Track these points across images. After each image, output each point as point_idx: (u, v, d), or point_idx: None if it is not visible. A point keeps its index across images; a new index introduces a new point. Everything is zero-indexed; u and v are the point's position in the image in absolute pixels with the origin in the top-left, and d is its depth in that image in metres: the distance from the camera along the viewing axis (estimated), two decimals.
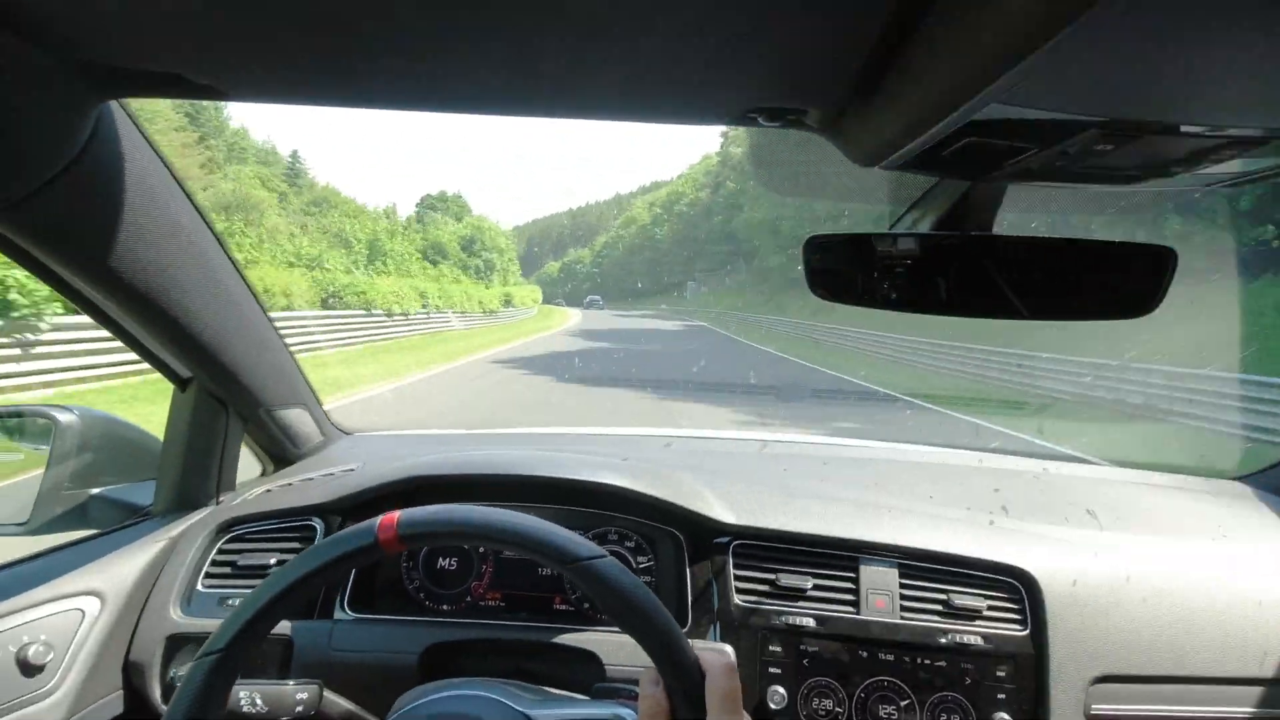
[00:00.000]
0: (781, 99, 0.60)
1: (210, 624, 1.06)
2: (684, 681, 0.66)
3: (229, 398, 1.25)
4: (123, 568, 1.12)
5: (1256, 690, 1.08)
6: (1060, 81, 0.45)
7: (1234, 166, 0.60)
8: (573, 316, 50.89)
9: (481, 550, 1.25)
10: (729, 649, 1.09)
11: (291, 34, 0.55)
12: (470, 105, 0.68)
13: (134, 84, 0.67)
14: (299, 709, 0.94)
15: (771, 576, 1.15)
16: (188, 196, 0.92)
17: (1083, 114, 0.48)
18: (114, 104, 0.75)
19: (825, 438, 1.90)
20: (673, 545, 1.22)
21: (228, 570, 1.19)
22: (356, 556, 0.73)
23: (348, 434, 1.67)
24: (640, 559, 1.23)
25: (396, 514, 0.73)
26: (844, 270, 0.84)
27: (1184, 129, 0.49)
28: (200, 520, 1.23)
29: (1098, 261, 0.76)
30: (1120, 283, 0.76)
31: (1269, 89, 0.46)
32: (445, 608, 1.22)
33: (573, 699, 0.86)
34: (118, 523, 1.24)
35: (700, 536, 1.20)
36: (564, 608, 1.23)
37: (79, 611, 1.04)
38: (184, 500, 1.27)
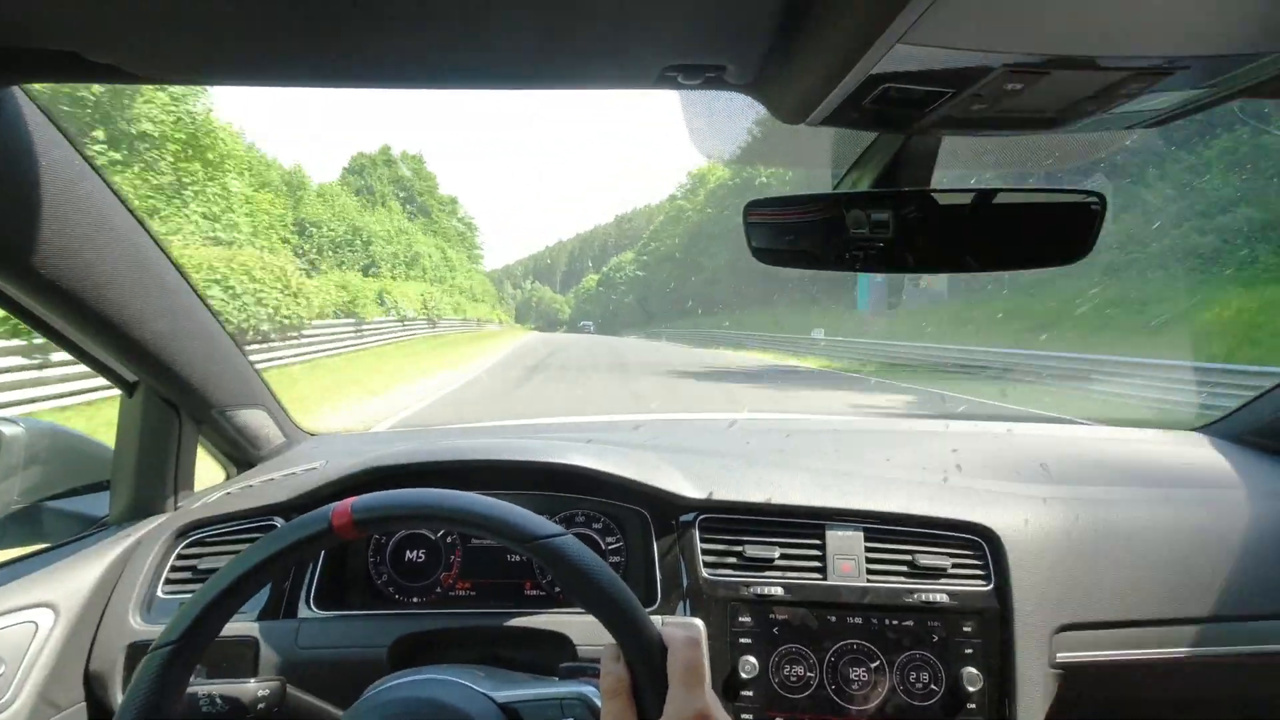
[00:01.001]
0: (697, 55, 0.60)
1: None
2: (645, 656, 0.66)
3: (179, 400, 1.22)
4: (77, 578, 1.09)
5: (1212, 628, 1.11)
6: (959, 20, 0.45)
7: (1149, 103, 0.61)
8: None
9: (449, 540, 1.24)
10: (699, 623, 1.10)
11: (192, 6, 0.53)
12: (378, 79, 0.66)
13: (28, 68, 0.64)
14: (260, 706, 0.92)
15: (738, 548, 1.15)
16: (109, 187, 0.89)
17: (986, 50, 0.48)
18: (16, 91, 0.72)
19: (793, 414, 1.91)
20: (640, 523, 1.22)
21: (188, 575, 1.17)
22: (311, 543, 0.71)
23: (311, 435, 1.64)
24: (609, 539, 1.23)
25: (350, 500, 0.72)
26: (785, 236, 0.85)
27: (1086, 62, 0.50)
28: (158, 526, 1.20)
29: (1031, 210, 0.77)
30: (1054, 230, 0.77)
31: (1162, 19, 0.46)
32: (415, 600, 1.21)
33: (539, 680, 0.86)
34: (72, 534, 1.21)
35: (666, 513, 1.20)
36: (535, 593, 1.22)
37: (32, 624, 1.01)
38: (139, 508, 1.24)
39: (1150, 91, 0.55)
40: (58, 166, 0.80)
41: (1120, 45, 0.48)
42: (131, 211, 0.94)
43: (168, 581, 1.16)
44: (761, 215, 0.83)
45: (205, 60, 0.64)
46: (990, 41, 0.48)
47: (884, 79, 0.54)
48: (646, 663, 0.66)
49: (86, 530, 1.23)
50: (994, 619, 1.09)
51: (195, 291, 1.12)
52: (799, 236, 0.84)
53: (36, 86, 0.73)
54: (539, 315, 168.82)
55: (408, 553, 1.24)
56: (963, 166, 0.93)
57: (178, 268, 1.07)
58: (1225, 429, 1.56)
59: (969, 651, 1.08)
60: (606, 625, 0.68)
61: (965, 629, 1.09)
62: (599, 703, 0.70)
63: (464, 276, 54.05)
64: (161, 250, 1.02)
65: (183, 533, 1.20)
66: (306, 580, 1.16)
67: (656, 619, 0.72)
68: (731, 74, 0.63)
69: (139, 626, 1.09)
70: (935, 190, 0.78)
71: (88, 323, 0.96)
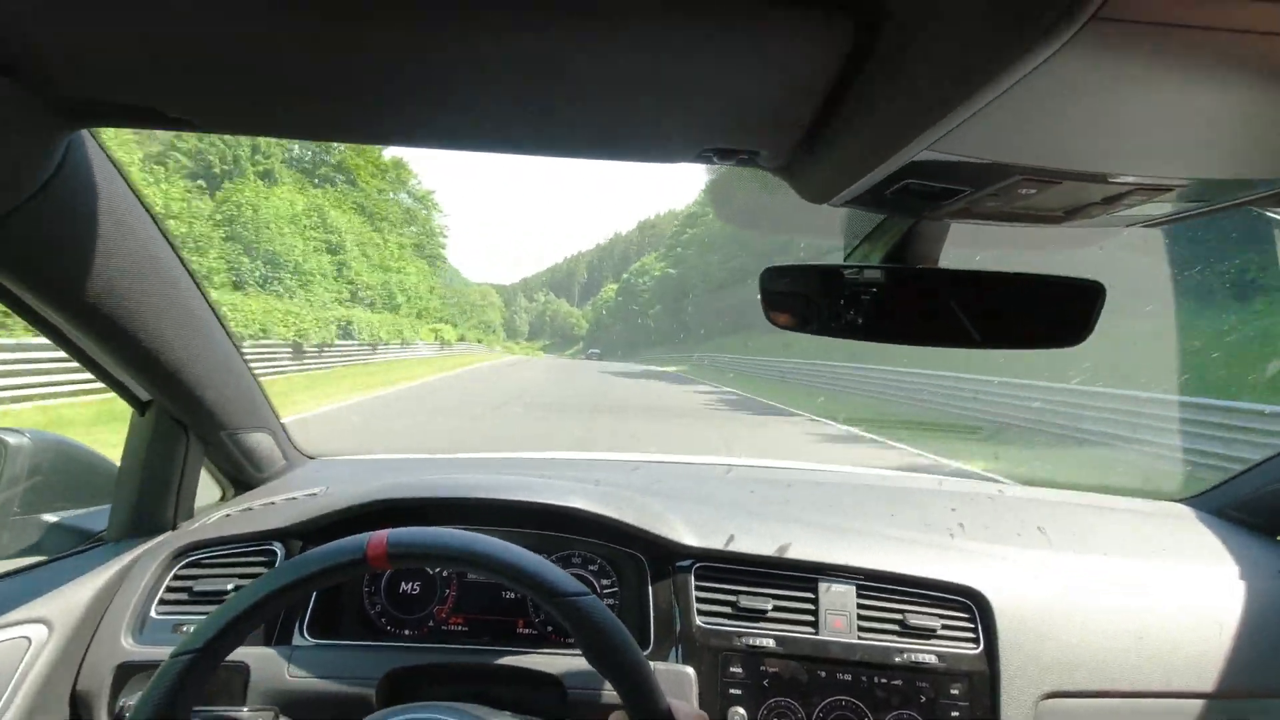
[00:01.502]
0: (735, 141, 0.64)
1: (163, 652, 1.04)
2: None
3: (190, 420, 1.23)
4: (73, 594, 1.09)
5: (1194, 704, 1.13)
6: (984, 133, 0.49)
7: (1149, 210, 0.65)
8: None
9: (444, 574, 1.25)
10: (690, 671, 1.11)
11: (260, 69, 0.57)
12: (436, 141, 0.70)
13: (105, 114, 0.68)
14: None
15: (733, 598, 1.17)
16: (156, 223, 0.93)
17: (1006, 162, 0.53)
18: (85, 133, 0.76)
19: (790, 462, 1.94)
20: (635, 568, 1.23)
21: (183, 597, 1.17)
22: (343, 570, 0.74)
23: (311, 458, 1.65)
24: (604, 581, 1.24)
25: (386, 532, 0.75)
26: (800, 300, 0.88)
27: (1094, 177, 0.54)
28: (155, 545, 1.20)
29: (1034, 294, 0.81)
30: (1054, 314, 0.81)
31: (1164, 145, 0.51)
32: (407, 632, 1.21)
33: None
34: (70, 549, 1.21)
35: (663, 559, 1.21)
36: (527, 631, 1.23)
37: (25, 639, 1.01)
38: (140, 526, 1.25)
39: (1152, 202, 0.60)
40: (114, 203, 0.84)
41: (1127, 165, 0.53)
42: (171, 243, 0.97)
43: (162, 602, 1.16)
44: (776, 283, 0.87)
45: (266, 116, 0.67)
46: (1007, 155, 0.52)
47: (908, 174, 0.58)
48: None
49: (83, 545, 1.23)
50: (981, 682, 1.11)
51: (216, 314, 1.15)
52: (812, 304, 0.87)
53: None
54: (554, 331, 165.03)
55: (402, 584, 1.24)
56: (968, 244, 0.97)
57: (201, 289, 1.09)
58: (1208, 502, 1.60)
59: (955, 714, 1.09)
60: (619, 690, 0.71)
61: (953, 691, 1.10)
62: None
63: (418, 277, 41.90)
64: (187, 271, 1.05)
65: (180, 553, 1.20)
66: (301, 609, 1.16)
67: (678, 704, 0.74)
68: (764, 158, 0.67)
69: (130, 647, 1.09)
70: (943, 268, 0.82)
71: (116, 345, 0.99)
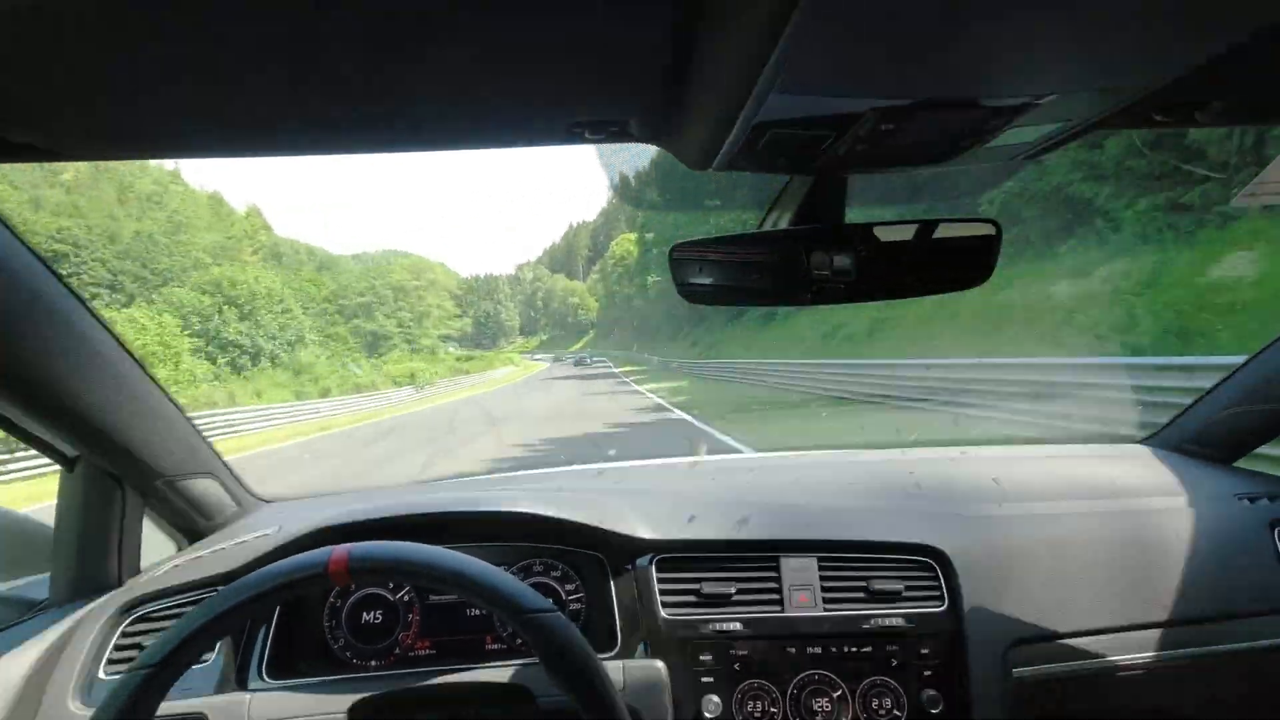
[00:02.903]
0: (600, 112, 0.64)
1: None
2: None
3: (121, 472, 1.19)
4: (10, 666, 1.04)
5: (1164, 633, 1.14)
6: (821, 70, 0.49)
7: (1024, 135, 0.66)
8: None
9: (406, 599, 1.22)
10: (660, 664, 1.09)
11: (107, 81, 0.55)
12: (295, 147, 0.69)
13: None
14: None
15: (695, 586, 1.15)
16: (41, 261, 0.90)
17: (855, 96, 0.53)
18: None
19: (753, 454, 1.94)
20: (597, 568, 1.21)
21: (132, 655, 1.12)
22: (304, 583, 0.73)
23: (266, 501, 1.61)
24: (568, 586, 1.22)
25: (348, 546, 0.74)
26: (710, 273, 0.88)
27: (946, 103, 0.55)
28: (100, 605, 1.16)
29: (934, 240, 0.82)
30: (956, 257, 0.82)
31: (1014, 60, 0.51)
32: (374, 663, 1.18)
33: None
34: (9, 621, 1.16)
35: (622, 556, 1.20)
36: (496, 646, 1.20)
37: None
38: (82, 588, 1.20)
39: (1016, 126, 0.60)
40: None
41: (978, 86, 0.53)
42: (63, 282, 0.94)
43: (110, 662, 1.12)
44: (687, 255, 0.87)
45: (125, 134, 0.66)
46: (856, 87, 0.52)
47: (769, 126, 0.58)
48: None
49: (23, 616, 1.18)
50: (950, 639, 1.10)
51: (134, 358, 1.12)
52: (720, 275, 0.87)
53: None
54: (557, 322, 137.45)
55: (364, 614, 1.21)
56: (878, 204, 0.99)
57: (114, 336, 1.06)
58: (1165, 439, 1.62)
59: (928, 673, 1.09)
60: (581, 707, 0.71)
61: (923, 651, 1.10)
62: None
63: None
64: (96, 319, 1.02)
65: (126, 609, 1.16)
66: (257, 649, 1.13)
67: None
68: (634, 128, 0.67)
69: (77, 711, 1.05)
70: (846, 225, 0.82)
71: (25, 399, 0.95)
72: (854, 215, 0.85)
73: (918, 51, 0.48)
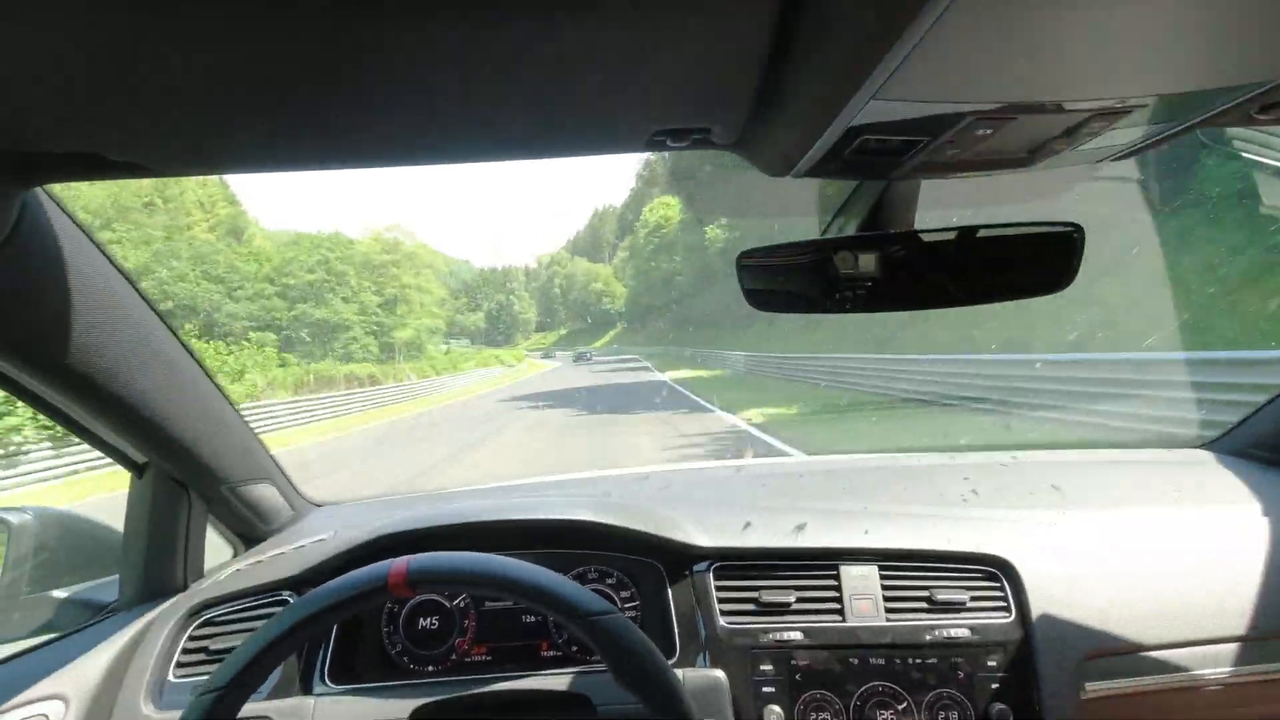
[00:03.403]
0: (684, 120, 0.64)
1: None
2: None
3: (189, 479, 1.22)
4: (87, 667, 1.08)
5: (1240, 648, 1.10)
6: (926, 74, 0.48)
7: (1115, 139, 0.64)
8: None
9: (462, 605, 1.23)
10: (721, 675, 1.08)
11: (202, 105, 0.57)
12: (386, 159, 0.70)
13: (52, 169, 0.68)
14: None
15: (754, 594, 1.14)
16: (125, 276, 0.92)
17: (955, 103, 0.52)
18: (38, 191, 0.75)
19: (800, 457, 1.92)
20: (653, 576, 1.21)
21: (201, 657, 1.15)
22: (365, 598, 0.74)
23: (318, 505, 1.64)
24: (623, 593, 1.22)
25: (406, 558, 0.74)
26: (778, 281, 0.87)
27: (1049, 106, 0.53)
28: (168, 608, 1.19)
29: (1013, 244, 0.80)
30: (1036, 262, 0.80)
31: (1118, 63, 0.50)
32: (430, 669, 1.19)
33: None
34: (82, 622, 1.20)
35: (679, 563, 1.19)
36: (551, 654, 1.20)
37: (43, 717, 0.99)
38: (150, 591, 1.23)
39: (1113, 129, 0.59)
40: (77, 263, 0.83)
41: (1080, 90, 0.52)
42: (139, 291, 0.96)
43: (179, 665, 1.14)
44: (754, 262, 0.86)
45: (218, 153, 0.67)
46: (959, 93, 0.51)
47: (861, 131, 0.57)
48: None
49: (96, 618, 1.22)
50: (1018, 651, 1.08)
51: (202, 367, 1.14)
52: (790, 281, 0.86)
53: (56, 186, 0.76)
54: (578, 313, 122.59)
55: (421, 620, 1.22)
56: (944, 207, 0.97)
57: (184, 344, 1.09)
58: (1229, 444, 1.57)
59: (996, 686, 1.06)
60: (650, 708, 0.70)
61: (990, 663, 1.07)
62: None
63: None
64: (168, 327, 1.05)
65: (194, 613, 1.19)
66: (320, 654, 1.15)
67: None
68: (717, 135, 0.67)
69: (150, 713, 1.07)
70: (919, 231, 0.81)
71: (97, 406, 0.98)
72: (923, 220, 0.84)
73: (1027, 55, 0.47)
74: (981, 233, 0.80)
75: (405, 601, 1.23)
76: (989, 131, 0.56)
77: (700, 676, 1.08)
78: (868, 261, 0.82)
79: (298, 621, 0.71)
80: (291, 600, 1.19)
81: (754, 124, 0.65)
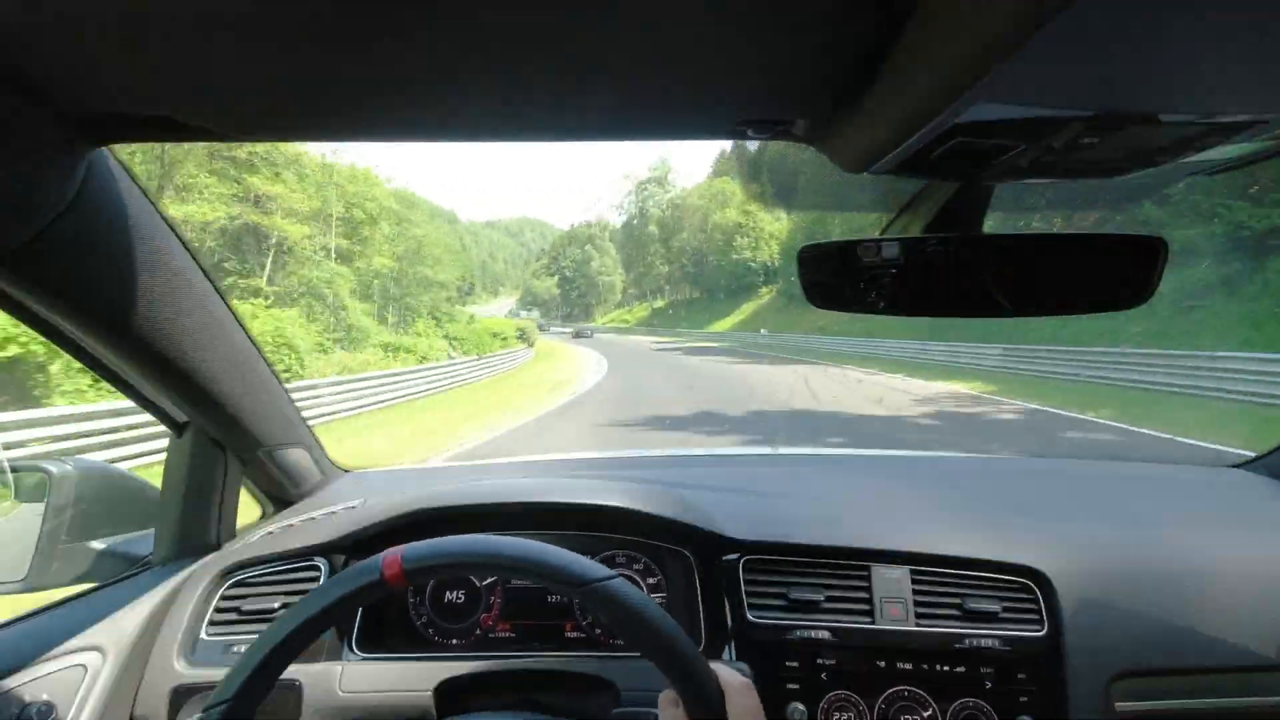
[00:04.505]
0: (769, 111, 0.61)
1: (216, 674, 1.04)
2: (704, 701, 0.65)
3: (227, 440, 1.23)
4: (123, 620, 1.09)
5: (1274, 676, 1.08)
6: (1042, 78, 0.45)
7: (1215, 154, 0.61)
8: None
9: (488, 581, 1.24)
10: (745, 668, 1.08)
11: (278, 72, 0.55)
12: (466, 134, 0.68)
13: (123, 129, 0.67)
14: None
15: (783, 590, 1.13)
16: (181, 240, 0.92)
17: (1066, 109, 0.49)
18: (104, 151, 0.75)
19: (833, 448, 1.90)
20: (682, 564, 1.20)
21: (232, 617, 1.17)
22: (362, 595, 0.72)
23: (346, 471, 1.65)
24: (650, 580, 1.22)
25: (400, 549, 0.72)
26: (838, 278, 0.85)
27: (1166, 118, 0.50)
28: (201, 567, 1.21)
29: (1089, 255, 0.77)
30: (1113, 274, 0.77)
31: (1246, 76, 0.47)
32: (455, 642, 1.20)
33: None
34: (118, 574, 1.22)
35: (709, 553, 1.18)
36: (575, 635, 1.21)
37: (81, 668, 1.01)
38: (184, 548, 1.25)
39: (1223, 144, 0.56)
40: (137, 222, 0.83)
41: (1201, 102, 0.49)
42: (196, 260, 0.97)
43: (211, 623, 1.16)
44: (816, 256, 0.84)
45: (287, 119, 0.66)
46: (1072, 97, 0.48)
47: (959, 132, 0.54)
48: (706, 708, 0.65)
49: (130, 570, 1.24)
50: (1048, 666, 1.06)
51: (246, 332, 1.14)
52: (853, 279, 0.84)
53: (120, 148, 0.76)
54: (691, 275, 73.68)
55: (447, 594, 1.23)
56: (1012, 208, 0.93)
57: (229, 306, 1.09)
58: (1267, 466, 1.53)
59: (1024, 699, 1.05)
60: (662, 670, 0.68)
61: (1020, 676, 1.06)
62: None
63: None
64: (216, 290, 1.05)
65: (226, 573, 1.20)
66: (349, 623, 1.16)
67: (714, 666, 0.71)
68: (799, 128, 0.64)
69: (183, 670, 1.09)
70: (989, 235, 0.78)
71: (149, 367, 0.98)
72: (992, 223, 0.81)
73: (1155, 61, 0.44)
74: (1057, 240, 0.77)
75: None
76: (1095, 140, 0.54)
77: (725, 670, 1.08)
78: (933, 264, 0.79)
79: (299, 625, 0.70)
80: (321, 565, 1.20)
81: (839, 119, 0.62)
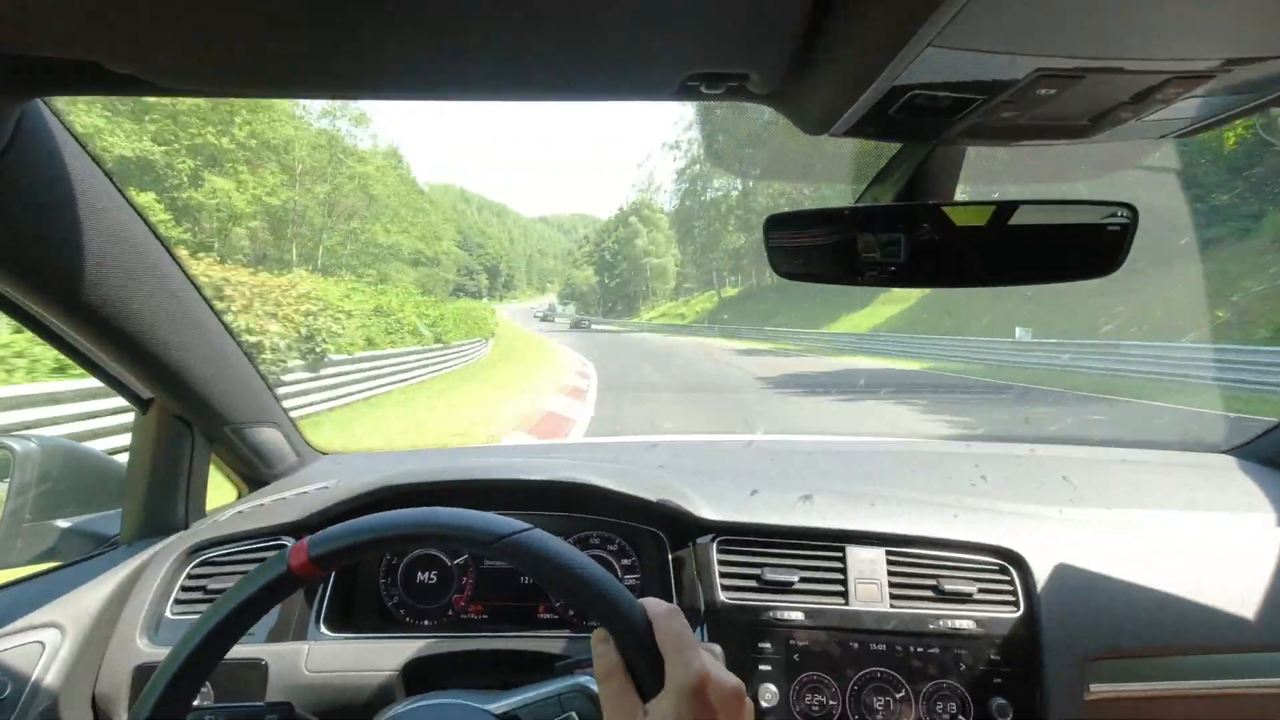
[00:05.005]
0: (720, 63, 0.59)
1: None
2: (632, 632, 0.64)
3: (193, 417, 1.21)
4: (85, 598, 1.08)
5: (1253, 658, 1.07)
6: (993, 23, 0.44)
7: (1184, 110, 0.59)
8: None
9: (459, 561, 1.22)
10: (718, 648, 1.07)
11: (212, 16, 0.53)
12: (396, 90, 0.66)
13: (49, 79, 0.65)
14: None
15: (757, 571, 1.12)
16: (129, 202, 0.89)
17: (1019, 54, 0.47)
18: (39, 104, 0.72)
19: (811, 435, 1.89)
20: (655, 545, 1.19)
21: (198, 596, 1.15)
22: (271, 591, 0.68)
23: (324, 454, 1.64)
24: (624, 560, 1.21)
25: (306, 539, 0.69)
26: (806, 247, 0.83)
27: (1124, 66, 0.49)
28: (167, 546, 1.19)
29: (1060, 221, 0.76)
30: (1083, 242, 0.75)
31: (1204, 19, 0.45)
32: (426, 623, 1.19)
33: (536, 684, 0.83)
34: (84, 554, 1.20)
35: (682, 534, 1.17)
36: (548, 616, 1.20)
37: (39, 644, 1.00)
38: (151, 527, 1.23)
39: (1185, 97, 0.54)
40: (78, 180, 0.80)
41: (1160, 49, 0.47)
42: (148, 224, 0.94)
43: (177, 602, 1.15)
44: (781, 230, 0.82)
45: (225, 71, 0.64)
46: (1024, 44, 0.46)
47: (911, 86, 0.53)
48: (635, 639, 0.64)
49: (97, 549, 1.22)
50: (1023, 647, 1.05)
51: (210, 306, 1.12)
52: (819, 252, 0.82)
53: (57, 102, 0.73)
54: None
55: (419, 574, 1.22)
56: (986, 181, 0.92)
57: (193, 281, 1.07)
58: (1255, 451, 1.52)
59: (998, 681, 1.04)
60: (587, 609, 0.66)
61: (993, 657, 1.05)
62: (596, 689, 0.68)
63: None
64: (177, 263, 1.02)
65: (193, 552, 1.19)
66: (316, 602, 1.14)
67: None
68: (754, 83, 0.62)
69: (146, 648, 1.08)
70: (958, 204, 0.76)
71: (105, 338, 0.96)
72: (965, 192, 0.79)
73: (1105, 4, 0.42)
74: (1025, 208, 0.75)
75: (404, 554, 1.22)
76: (1052, 92, 0.52)
77: (650, 599, 1.07)
78: (901, 234, 0.78)
79: (210, 632, 0.66)
80: (289, 544, 1.19)
81: (795, 73, 0.60)
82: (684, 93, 0.64)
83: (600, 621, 0.65)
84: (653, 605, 0.66)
